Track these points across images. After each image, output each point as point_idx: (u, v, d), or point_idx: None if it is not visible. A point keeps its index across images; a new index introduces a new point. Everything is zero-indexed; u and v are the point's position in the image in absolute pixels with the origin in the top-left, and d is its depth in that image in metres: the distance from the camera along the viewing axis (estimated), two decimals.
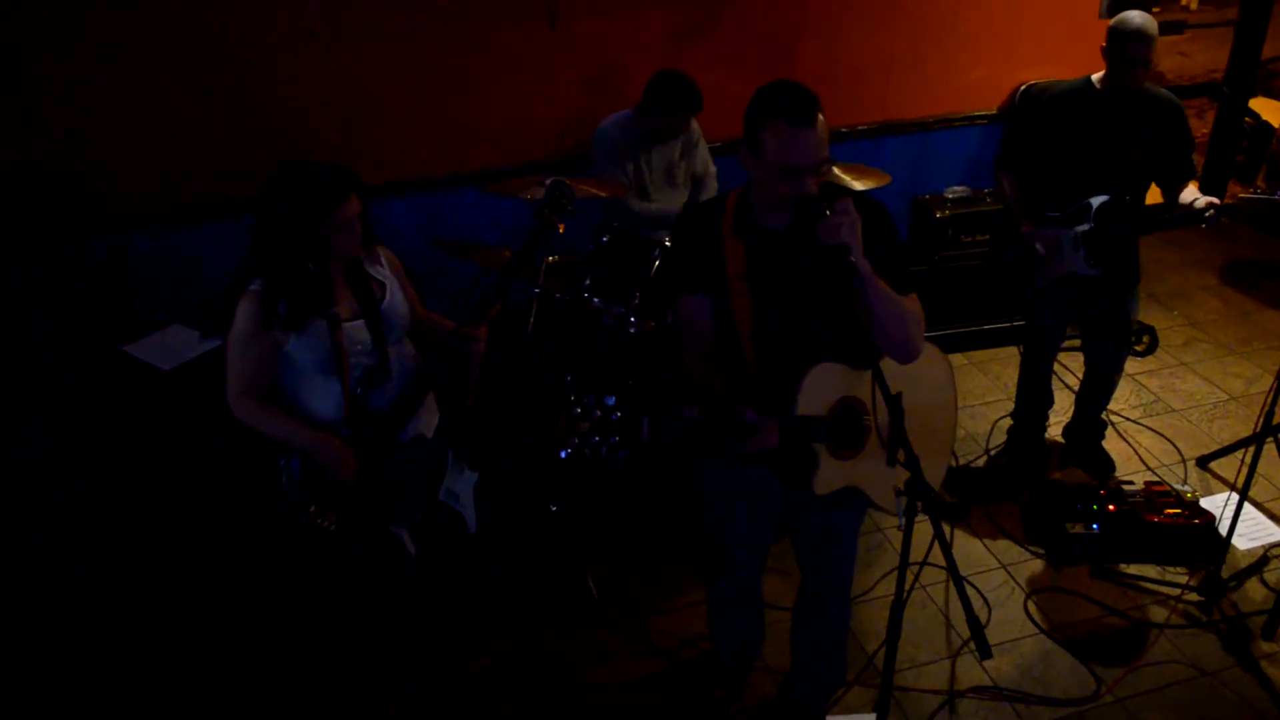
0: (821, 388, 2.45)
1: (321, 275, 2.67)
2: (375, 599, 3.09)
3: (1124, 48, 3.51)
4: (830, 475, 2.51)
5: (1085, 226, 3.70)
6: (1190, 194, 3.67)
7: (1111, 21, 3.56)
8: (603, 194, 3.90)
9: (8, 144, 4.01)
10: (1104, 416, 4.32)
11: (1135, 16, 3.50)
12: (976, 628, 2.02)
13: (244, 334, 2.64)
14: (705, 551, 3.03)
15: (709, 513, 2.88)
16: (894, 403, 2.22)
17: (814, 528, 2.81)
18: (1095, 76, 3.69)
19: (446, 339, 2.89)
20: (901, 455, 2.20)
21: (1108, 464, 4.28)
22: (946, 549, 2.08)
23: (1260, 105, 6.51)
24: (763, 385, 2.45)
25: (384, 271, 2.86)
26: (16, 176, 4.05)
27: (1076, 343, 4.36)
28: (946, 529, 3.90)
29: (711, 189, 4.46)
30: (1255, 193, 3.50)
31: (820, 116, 2.28)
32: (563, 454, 2.04)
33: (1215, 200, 3.54)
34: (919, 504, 2.15)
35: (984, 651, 2.05)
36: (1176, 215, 3.64)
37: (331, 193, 2.57)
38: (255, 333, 2.63)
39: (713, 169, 4.48)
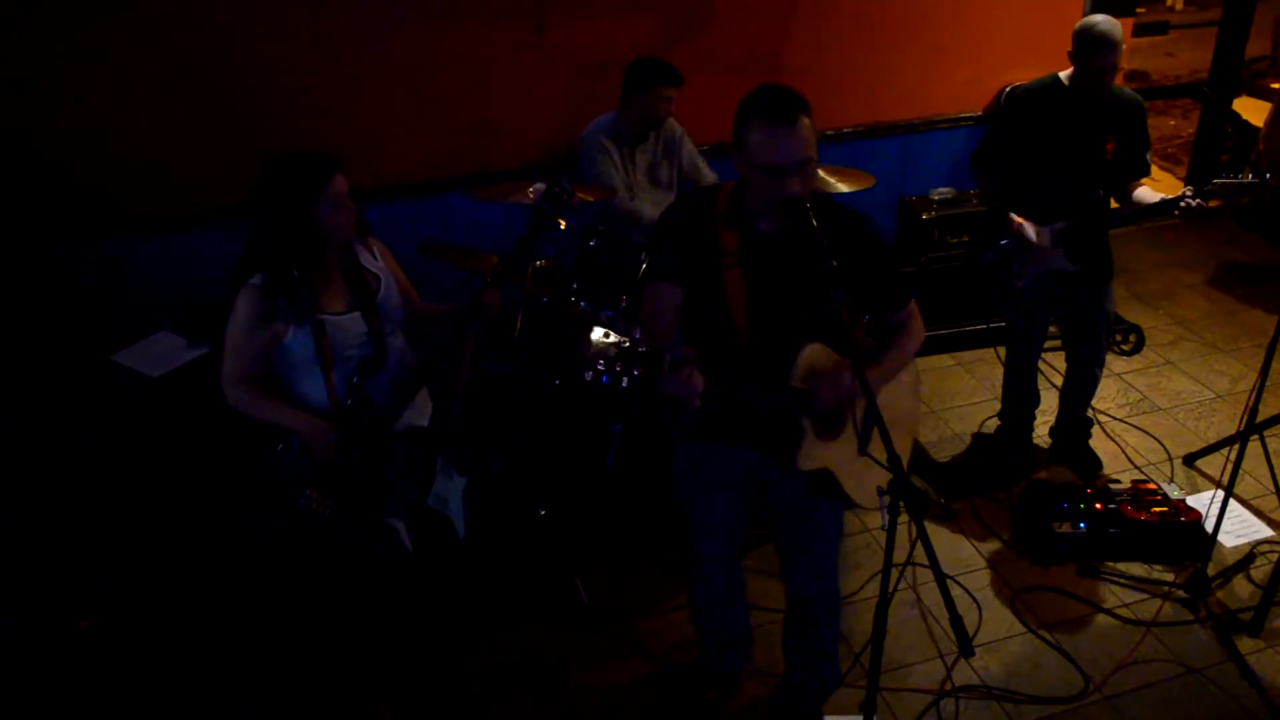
0: (813, 366, 2.47)
1: (317, 267, 2.71)
2: (366, 589, 3.11)
3: (1091, 57, 3.53)
4: (811, 453, 2.53)
5: (1061, 224, 3.74)
6: (1145, 192, 3.72)
7: (1077, 26, 3.57)
8: (590, 198, 3.91)
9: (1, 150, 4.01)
10: (1089, 414, 4.34)
11: (1100, 22, 3.50)
12: (958, 624, 2.03)
13: (244, 325, 2.71)
14: (682, 543, 3.02)
15: (684, 504, 2.89)
16: (871, 400, 2.25)
17: (794, 522, 2.82)
18: (1063, 74, 3.72)
19: (456, 310, 2.97)
20: (878, 448, 2.22)
21: (1094, 463, 4.29)
22: (929, 548, 2.09)
23: (1243, 105, 6.55)
24: (755, 356, 2.46)
25: (378, 264, 2.91)
26: (8, 183, 4.05)
27: (1059, 342, 4.39)
28: (934, 529, 3.92)
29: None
30: (1230, 178, 3.53)
31: (804, 118, 2.30)
32: (586, 375, 2.04)
33: (1189, 189, 3.58)
34: (902, 504, 2.16)
35: (965, 649, 2.06)
36: (1151, 206, 3.67)
37: (320, 170, 2.64)
38: (255, 325, 2.70)
39: (711, 174, 4.48)
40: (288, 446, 2.83)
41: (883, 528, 2.17)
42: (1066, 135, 3.68)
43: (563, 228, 3.32)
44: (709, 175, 4.48)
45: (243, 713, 3.25)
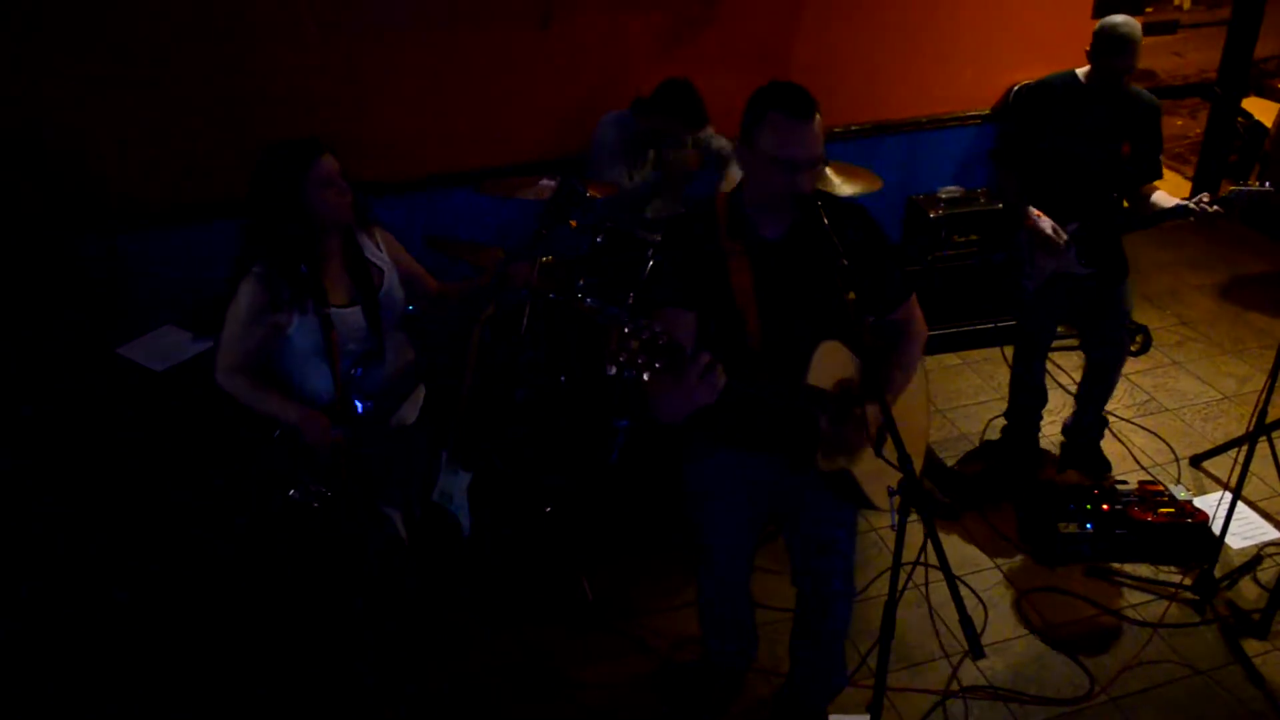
0: (828, 365, 2.46)
1: (319, 256, 2.70)
2: (362, 581, 3.10)
3: (1109, 57, 3.54)
4: (831, 452, 2.51)
5: (1074, 226, 3.72)
6: (1161, 197, 3.71)
7: (1098, 25, 3.57)
8: (599, 195, 3.90)
9: (3, 141, 4.00)
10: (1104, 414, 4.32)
11: (1120, 24, 3.50)
12: (969, 628, 2.02)
13: (246, 314, 2.68)
14: (694, 546, 3.02)
15: (696, 505, 2.88)
16: (893, 428, 2.24)
17: (809, 527, 2.80)
18: (1080, 71, 3.71)
19: (480, 284, 2.93)
20: (890, 449, 2.22)
21: (1104, 465, 4.28)
22: (939, 549, 2.08)
23: (1253, 105, 6.53)
24: (769, 361, 2.44)
25: (383, 256, 2.89)
26: (10, 174, 4.04)
27: (1069, 342, 4.38)
28: (940, 529, 3.90)
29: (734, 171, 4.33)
30: (1243, 184, 3.53)
31: (818, 114, 2.31)
32: (610, 370, 2.04)
33: (1206, 195, 3.57)
34: (912, 504, 2.14)
35: (976, 652, 2.05)
36: (1168, 210, 3.66)
37: (303, 150, 2.63)
38: (259, 315, 2.68)
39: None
40: (283, 436, 2.82)
41: (892, 527, 2.15)
42: (1083, 134, 3.66)
43: (574, 227, 3.32)
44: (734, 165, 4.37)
45: (243, 714, 3.24)
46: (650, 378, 2.04)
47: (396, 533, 3.01)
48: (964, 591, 3.57)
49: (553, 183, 3.71)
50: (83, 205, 4.18)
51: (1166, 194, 3.72)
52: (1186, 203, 3.59)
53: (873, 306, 2.60)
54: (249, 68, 4.17)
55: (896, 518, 2.17)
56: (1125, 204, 3.85)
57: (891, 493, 2.16)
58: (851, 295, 2.29)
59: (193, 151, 4.21)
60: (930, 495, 4.03)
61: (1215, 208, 3.52)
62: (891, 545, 3.81)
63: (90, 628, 3.46)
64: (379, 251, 2.88)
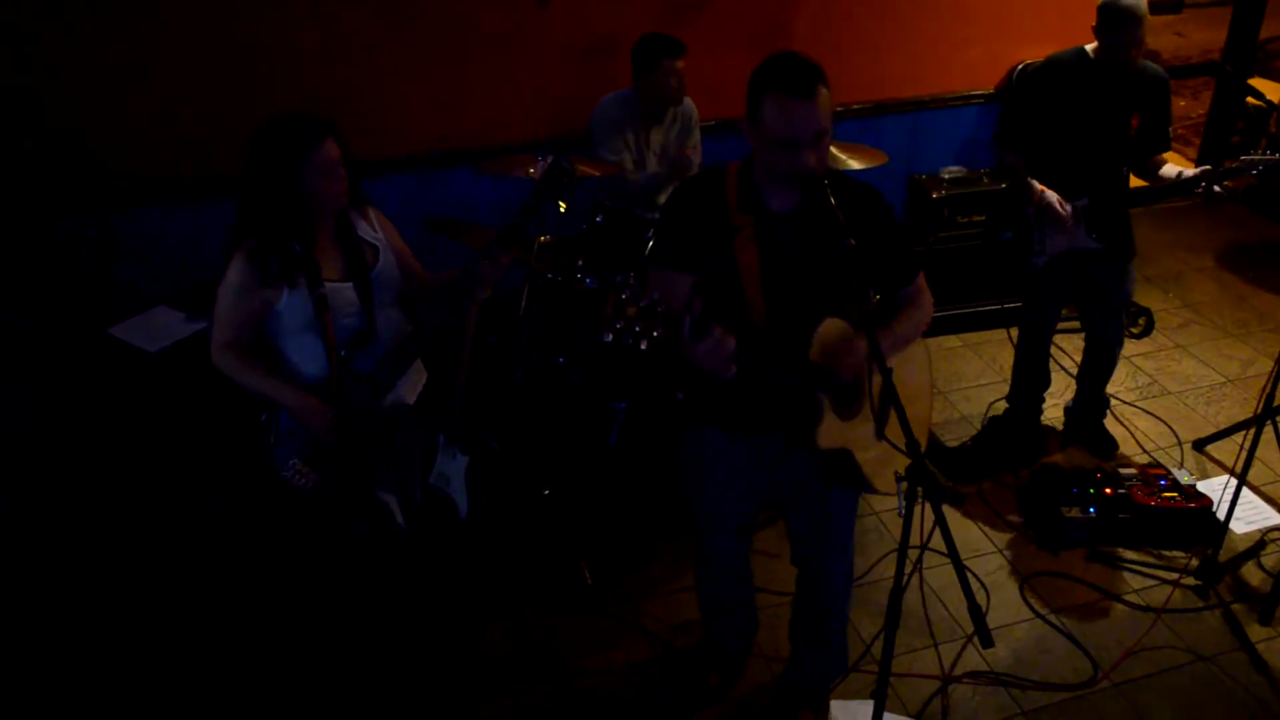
0: (830, 342, 2.42)
1: (308, 235, 2.65)
2: (361, 562, 3.06)
3: (1114, 32, 3.52)
4: (830, 431, 2.47)
5: (1084, 201, 3.70)
6: (1169, 168, 3.71)
7: (1100, 2, 3.54)
8: (596, 173, 3.85)
9: None
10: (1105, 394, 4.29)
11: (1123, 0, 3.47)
12: (978, 616, 1.98)
13: (237, 288, 2.64)
14: (693, 529, 2.99)
15: (695, 487, 2.85)
16: (887, 375, 2.21)
17: (809, 509, 2.77)
18: (1089, 47, 3.68)
19: (454, 278, 2.86)
20: (894, 432, 2.18)
21: (1111, 443, 4.25)
22: (948, 536, 2.04)
23: (1257, 85, 6.48)
24: (771, 336, 2.40)
25: (377, 235, 2.84)
26: (3, 153, 3.98)
27: (1071, 324, 4.33)
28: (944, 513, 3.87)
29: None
30: (1256, 154, 3.51)
31: (822, 89, 2.24)
32: (606, 337, 2.00)
33: (1208, 168, 3.57)
34: (919, 489, 2.11)
35: (985, 640, 2.02)
36: (1177, 182, 3.65)
37: (306, 134, 2.57)
38: (249, 288, 2.63)
39: (698, 158, 4.40)
40: (272, 416, 2.78)
41: (899, 513, 2.12)
42: (1093, 109, 3.64)
43: (563, 210, 3.27)
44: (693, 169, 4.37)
45: (242, 708, 3.20)
46: (647, 346, 1.99)
47: (393, 518, 2.97)
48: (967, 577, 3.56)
49: (548, 161, 3.66)
50: (75, 185, 4.12)
51: (1175, 164, 3.70)
52: (1197, 174, 3.58)
53: (880, 285, 2.56)
54: (245, 47, 4.10)
55: (903, 503, 2.14)
56: (1133, 180, 3.82)
57: (899, 478, 2.12)
58: (854, 279, 2.24)
59: (187, 131, 4.16)
60: (937, 480, 4.00)
61: (1228, 183, 3.53)
62: (892, 530, 3.80)
63: (79, 610, 3.42)
64: (374, 230, 2.84)
